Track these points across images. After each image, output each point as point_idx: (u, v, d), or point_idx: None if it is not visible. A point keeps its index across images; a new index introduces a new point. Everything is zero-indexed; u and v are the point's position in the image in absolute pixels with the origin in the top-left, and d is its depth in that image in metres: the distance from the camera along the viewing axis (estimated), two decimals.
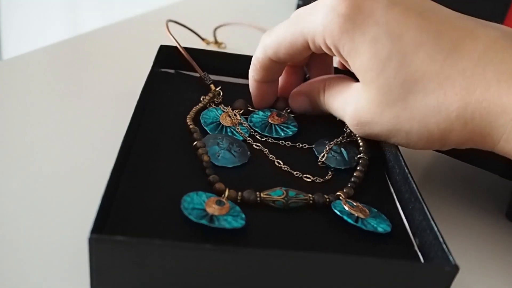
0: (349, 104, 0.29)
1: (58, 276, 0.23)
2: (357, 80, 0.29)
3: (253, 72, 0.33)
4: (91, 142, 0.33)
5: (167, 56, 0.38)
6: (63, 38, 0.50)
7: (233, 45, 0.52)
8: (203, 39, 0.50)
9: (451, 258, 0.21)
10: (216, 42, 0.49)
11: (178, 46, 0.37)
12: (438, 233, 0.23)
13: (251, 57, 0.39)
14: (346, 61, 0.27)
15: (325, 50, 0.28)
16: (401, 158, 0.29)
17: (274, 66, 0.31)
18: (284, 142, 0.32)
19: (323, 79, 0.33)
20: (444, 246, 0.22)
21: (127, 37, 0.53)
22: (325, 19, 0.26)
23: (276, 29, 0.30)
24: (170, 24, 0.41)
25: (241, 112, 0.35)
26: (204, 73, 0.37)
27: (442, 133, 0.26)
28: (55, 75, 0.43)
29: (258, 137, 0.33)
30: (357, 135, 0.33)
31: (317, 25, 0.27)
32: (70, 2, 1.31)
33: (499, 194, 0.35)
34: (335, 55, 0.29)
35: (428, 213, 0.24)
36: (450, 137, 0.26)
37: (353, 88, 0.29)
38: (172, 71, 0.39)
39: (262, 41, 0.31)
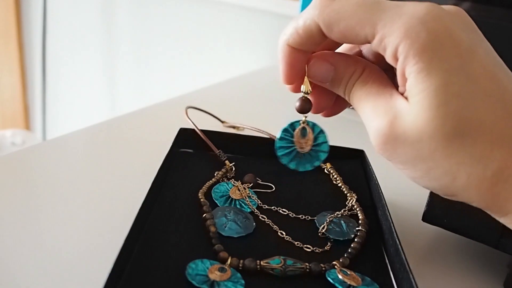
0: (384, 114, 0.26)
1: None
2: (395, 85, 0.27)
3: (290, 36, 0.28)
4: (114, 214, 0.37)
5: (187, 137, 0.43)
6: (102, 119, 0.56)
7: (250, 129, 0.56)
8: (222, 122, 0.54)
9: None
10: (234, 127, 0.54)
11: (195, 128, 0.42)
12: None
13: (263, 138, 0.43)
14: (402, 75, 0.26)
15: (384, 53, 0.26)
16: (394, 231, 0.31)
17: (316, 37, 0.27)
18: (288, 213, 0.35)
19: (361, 62, 0.28)
20: None
21: (154, 121, 0.58)
22: (410, 26, 0.24)
23: (344, 2, 0.26)
24: (192, 109, 0.46)
25: (250, 185, 0.38)
26: (219, 151, 0.41)
27: (466, 184, 0.24)
28: (89, 154, 0.48)
29: (265, 208, 0.36)
30: (357, 209, 0.36)
31: (397, 26, 0.25)
32: (110, 88, 1.42)
33: (496, 266, 0.36)
34: (387, 61, 0.26)
35: (413, 282, 0.26)
36: (470, 191, 0.25)
37: (395, 101, 0.26)
38: (190, 150, 0.43)
39: (317, 6, 0.27)
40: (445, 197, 0.26)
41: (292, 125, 0.30)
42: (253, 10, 1.05)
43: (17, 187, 0.40)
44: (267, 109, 0.68)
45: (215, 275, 0.27)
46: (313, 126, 0.30)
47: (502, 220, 0.25)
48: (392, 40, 0.25)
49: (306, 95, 0.29)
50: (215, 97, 0.70)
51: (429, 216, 0.35)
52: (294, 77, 0.29)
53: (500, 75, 0.25)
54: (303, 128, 0.30)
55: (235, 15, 1.09)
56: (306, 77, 0.28)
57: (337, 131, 0.58)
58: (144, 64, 1.32)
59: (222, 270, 0.27)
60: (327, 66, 0.28)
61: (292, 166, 0.30)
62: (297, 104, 0.29)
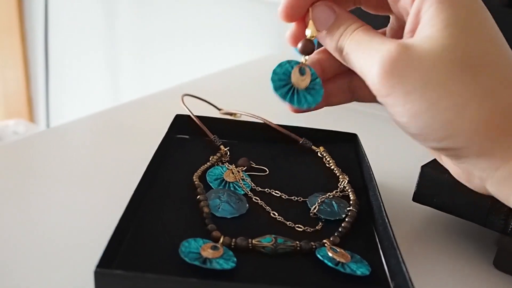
0: (395, 41, 0.26)
1: None
2: None
3: None
4: (113, 197, 0.38)
5: (183, 124, 0.43)
6: (105, 107, 0.57)
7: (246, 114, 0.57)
8: (219, 109, 0.55)
9: None
10: (231, 113, 0.54)
11: (190, 114, 0.42)
12: (406, 275, 0.25)
13: (257, 123, 0.44)
14: (417, 14, 0.26)
15: None
16: (383, 209, 0.32)
17: None
18: (280, 194, 0.36)
19: (361, 20, 0.29)
20: (410, 286, 0.24)
21: (153, 109, 0.59)
22: None
23: None
24: (190, 98, 0.46)
25: (244, 169, 0.39)
26: (214, 136, 0.42)
27: (475, 118, 0.24)
28: (89, 142, 0.49)
29: (258, 191, 0.36)
30: (349, 190, 0.36)
31: None
32: (113, 80, 1.43)
33: (486, 244, 0.36)
34: (402, 3, 0.27)
35: (400, 257, 0.27)
36: (476, 127, 0.24)
37: (403, 39, 0.27)
38: (187, 136, 0.44)
39: None
40: (437, 143, 0.25)
41: (289, 62, 0.31)
42: (252, 0, 1.05)
43: (17, 175, 0.41)
44: (265, 98, 0.68)
45: (207, 253, 0.28)
46: (311, 69, 0.31)
47: (500, 172, 0.25)
48: None
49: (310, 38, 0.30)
50: (214, 86, 0.71)
51: (419, 196, 0.36)
52: (294, 14, 0.30)
53: (499, 33, 0.26)
54: (302, 68, 0.31)
55: (234, 6, 1.09)
56: (311, 20, 0.30)
57: (331, 116, 0.59)
58: (146, 55, 1.33)
59: (214, 248, 0.28)
60: (330, 12, 0.30)
61: (287, 99, 0.30)
62: (300, 45, 0.30)
